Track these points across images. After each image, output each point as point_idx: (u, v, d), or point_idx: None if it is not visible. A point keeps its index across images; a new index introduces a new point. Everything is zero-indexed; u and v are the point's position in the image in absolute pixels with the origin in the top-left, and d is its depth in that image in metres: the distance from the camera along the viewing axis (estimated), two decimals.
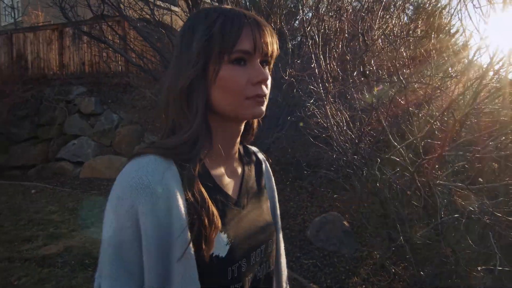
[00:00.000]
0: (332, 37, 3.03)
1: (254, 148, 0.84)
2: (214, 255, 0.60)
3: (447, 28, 3.84)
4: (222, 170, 0.69)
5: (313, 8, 3.87)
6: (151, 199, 0.55)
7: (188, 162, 0.60)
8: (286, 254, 0.88)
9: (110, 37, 5.52)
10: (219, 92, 0.62)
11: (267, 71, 0.66)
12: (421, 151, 1.89)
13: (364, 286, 2.74)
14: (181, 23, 5.17)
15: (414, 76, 2.25)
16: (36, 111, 6.90)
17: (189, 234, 0.57)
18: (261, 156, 0.84)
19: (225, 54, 0.60)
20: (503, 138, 1.76)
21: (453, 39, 3.74)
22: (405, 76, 2.22)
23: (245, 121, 0.69)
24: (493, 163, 1.92)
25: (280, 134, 4.12)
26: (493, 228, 1.66)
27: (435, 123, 1.94)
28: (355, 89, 2.64)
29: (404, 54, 2.33)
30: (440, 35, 3.58)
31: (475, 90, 1.63)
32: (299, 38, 4.31)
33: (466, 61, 2.12)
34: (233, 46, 0.60)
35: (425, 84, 2.09)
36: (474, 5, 1.67)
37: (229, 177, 0.70)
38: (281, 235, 0.85)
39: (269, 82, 0.65)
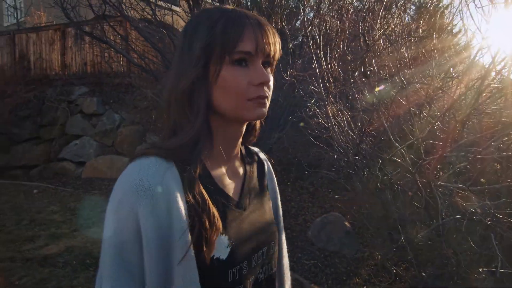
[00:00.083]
0: (333, 37, 3.02)
1: (256, 149, 0.83)
2: (214, 257, 0.60)
3: (449, 28, 3.82)
4: (223, 171, 0.68)
5: (315, 8, 3.86)
6: (152, 201, 0.55)
7: (189, 164, 0.59)
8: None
9: (111, 38, 5.52)
10: (220, 93, 0.62)
11: (269, 72, 0.65)
12: (422, 152, 1.88)
13: (365, 287, 2.73)
14: (182, 23, 5.17)
15: (416, 76, 2.24)
16: (39, 112, 6.92)
17: (189, 236, 0.56)
18: (263, 157, 0.83)
19: (227, 55, 0.60)
20: (506, 138, 1.74)
21: (456, 39, 3.72)
22: (407, 77, 2.21)
23: (247, 122, 0.69)
24: (495, 164, 1.91)
25: (281, 134, 4.12)
26: (494, 229, 1.64)
27: (436, 123, 1.93)
28: (356, 90, 2.64)
29: (406, 54, 2.32)
30: (442, 35, 3.57)
31: (476, 90, 1.62)
32: (300, 38, 4.30)
33: (469, 61, 2.10)
34: (235, 46, 0.60)
35: (426, 84, 2.08)
36: (475, 5, 1.66)
37: (230, 178, 0.70)
38: (283, 237, 0.84)
39: (271, 83, 0.65)
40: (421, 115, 2.22)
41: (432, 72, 2.13)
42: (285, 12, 3.65)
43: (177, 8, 5.42)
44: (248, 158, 0.78)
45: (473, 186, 1.72)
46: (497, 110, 1.82)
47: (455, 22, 3.76)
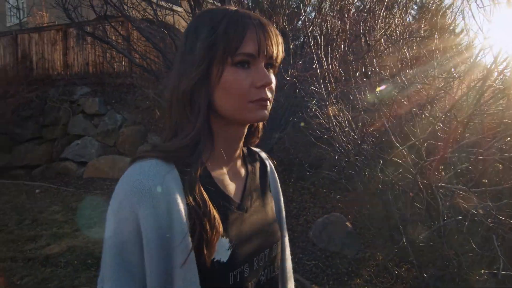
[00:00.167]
0: (334, 37, 3.02)
1: (259, 150, 0.83)
2: (215, 260, 0.60)
3: (451, 27, 3.81)
4: (224, 172, 0.68)
5: (316, 8, 3.85)
6: (152, 202, 0.55)
7: (190, 165, 0.59)
8: None
9: (113, 38, 5.54)
10: (222, 94, 0.61)
11: (272, 74, 0.65)
12: (423, 152, 1.87)
13: (366, 287, 2.73)
14: (183, 23, 5.17)
15: (417, 76, 2.23)
16: (41, 112, 6.94)
17: (190, 239, 0.56)
18: (266, 158, 0.83)
19: (229, 56, 0.60)
20: (508, 139, 1.73)
21: (458, 39, 3.70)
22: (408, 77, 2.20)
23: (248, 124, 0.69)
24: (498, 164, 1.90)
25: (282, 134, 4.11)
26: (496, 231, 1.63)
27: (438, 124, 1.92)
28: (358, 90, 2.63)
29: (407, 54, 2.31)
30: (445, 35, 3.55)
31: (478, 91, 1.61)
32: (302, 39, 4.29)
33: (471, 61, 2.09)
34: (237, 48, 0.59)
35: (427, 84, 2.07)
36: (477, 5, 1.65)
37: (232, 179, 0.69)
38: (286, 239, 0.83)
39: (273, 85, 0.64)
40: (423, 116, 2.21)
41: (433, 72, 2.12)
42: (287, 12, 3.64)
43: (178, 8, 5.42)
44: (250, 159, 0.77)
45: (475, 187, 1.71)
46: (499, 110, 1.81)
47: (457, 22, 3.74)
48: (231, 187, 0.68)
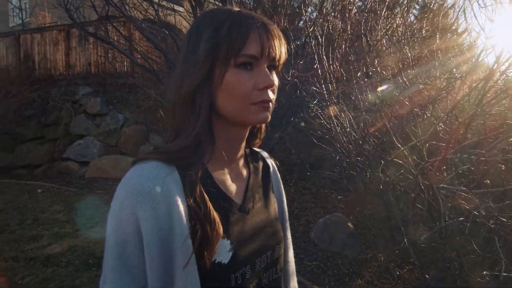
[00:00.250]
0: (336, 37, 3.01)
1: (261, 151, 0.82)
2: (216, 261, 0.60)
3: (453, 27, 3.79)
4: (226, 174, 0.68)
5: (317, 8, 3.85)
6: (152, 205, 0.55)
7: (190, 167, 0.59)
8: None
9: (115, 38, 5.55)
10: (224, 96, 0.61)
11: (274, 76, 0.65)
12: (425, 153, 1.86)
13: None
14: (185, 23, 5.17)
15: (419, 76, 2.22)
16: (43, 111, 6.97)
17: (191, 241, 0.56)
18: (269, 159, 0.83)
19: (232, 58, 0.60)
20: (510, 140, 1.72)
21: (460, 39, 3.68)
22: (410, 77, 2.19)
23: (250, 125, 0.68)
24: (500, 165, 1.88)
25: (283, 135, 4.11)
26: (498, 232, 1.62)
27: (439, 125, 1.91)
28: (359, 90, 2.62)
29: (409, 54, 2.30)
30: (447, 35, 3.54)
31: (480, 91, 1.60)
32: (303, 39, 4.29)
33: (473, 61, 2.08)
34: (240, 50, 0.59)
35: (429, 85, 2.06)
36: (479, 5, 1.64)
37: (233, 181, 0.69)
38: (289, 240, 0.83)
39: (276, 87, 0.64)
40: (424, 116, 2.20)
41: (435, 72, 2.11)
42: (288, 12, 3.64)
43: (179, 8, 5.43)
44: (252, 161, 0.77)
45: (477, 188, 1.70)
46: (501, 111, 1.80)
47: (459, 22, 3.72)
48: (232, 188, 0.68)
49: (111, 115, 6.60)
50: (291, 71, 2.97)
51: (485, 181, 1.81)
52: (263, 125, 0.74)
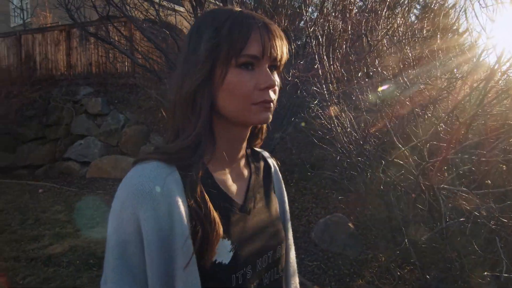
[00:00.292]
0: (336, 37, 3.01)
1: (263, 152, 0.82)
2: (217, 262, 0.60)
3: (454, 27, 3.78)
4: (227, 174, 0.68)
5: (318, 8, 3.84)
6: (152, 205, 0.55)
7: (191, 167, 0.59)
8: None
9: (116, 38, 5.55)
10: (225, 96, 0.61)
11: (276, 76, 0.65)
12: (425, 153, 1.86)
13: None
14: (186, 23, 5.17)
15: (420, 77, 2.22)
16: (44, 112, 6.98)
17: (191, 241, 0.56)
18: (270, 159, 0.82)
19: (233, 58, 0.59)
20: (511, 140, 1.72)
21: (461, 39, 3.68)
22: (410, 77, 2.19)
23: (251, 126, 0.68)
24: (501, 165, 1.88)
25: (284, 135, 4.11)
26: (499, 233, 1.62)
27: (440, 125, 1.91)
28: (360, 90, 2.62)
29: (410, 54, 2.30)
30: (448, 35, 3.53)
31: (481, 91, 1.59)
32: (304, 39, 4.28)
33: (474, 61, 2.08)
34: (241, 50, 0.59)
35: (430, 85, 2.05)
36: (480, 5, 1.64)
37: (234, 181, 0.69)
38: (291, 240, 0.83)
39: (277, 87, 0.64)
40: (425, 116, 2.20)
41: (436, 72, 2.10)
42: (289, 12, 3.63)
43: (180, 8, 5.43)
44: (254, 161, 0.77)
45: (478, 189, 1.69)
46: (502, 111, 1.79)
47: (460, 22, 3.71)
48: (233, 188, 0.68)
49: (112, 115, 6.60)
50: (291, 71, 2.97)
51: (486, 182, 1.80)
52: (265, 126, 0.74)
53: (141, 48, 5.24)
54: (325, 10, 3.62)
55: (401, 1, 3.33)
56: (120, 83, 6.90)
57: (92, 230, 3.81)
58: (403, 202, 2.27)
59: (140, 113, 6.54)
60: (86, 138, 6.58)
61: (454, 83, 2.02)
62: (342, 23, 3.03)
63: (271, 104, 0.63)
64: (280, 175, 0.84)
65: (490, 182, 1.80)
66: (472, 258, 1.81)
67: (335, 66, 2.66)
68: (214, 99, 0.62)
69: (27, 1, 11.30)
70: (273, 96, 0.63)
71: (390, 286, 2.62)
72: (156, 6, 4.44)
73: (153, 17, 4.57)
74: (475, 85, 1.66)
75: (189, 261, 0.55)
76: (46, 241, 3.56)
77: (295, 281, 0.83)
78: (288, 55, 0.65)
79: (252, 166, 0.75)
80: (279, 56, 0.62)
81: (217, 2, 5.22)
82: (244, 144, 0.70)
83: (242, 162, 0.72)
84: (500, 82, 1.73)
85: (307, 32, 3.08)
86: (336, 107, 2.61)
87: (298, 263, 0.79)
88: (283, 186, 0.84)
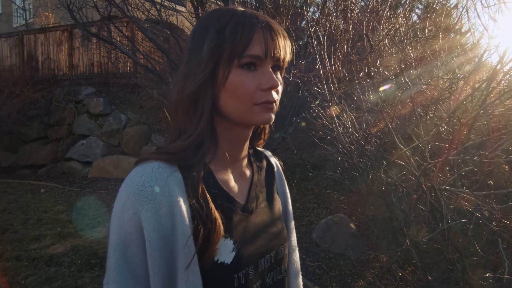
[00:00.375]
0: (338, 37, 3.00)
1: (265, 151, 0.82)
2: (219, 261, 0.60)
3: (457, 27, 3.76)
4: (229, 174, 0.68)
5: (320, 8, 3.84)
6: (154, 205, 0.56)
7: (193, 167, 0.59)
8: None
9: (118, 39, 5.56)
10: (227, 96, 0.61)
11: (279, 76, 0.64)
12: (427, 154, 1.85)
13: None
14: (187, 23, 5.17)
15: (422, 77, 2.21)
16: (46, 112, 7.01)
17: (193, 241, 0.56)
18: (273, 160, 0.82)
19: (235, 58, 0.59)
20: None
21: (463, 39, 3.66)
22: (412, 77, 2.18)
23: (254, 126, 0.68)
24: (504, 166, 1.87)
25: (285, 135, 4.10)
26: (501, 234, 1.61)
27: (442, 125, 1.90)
28: (361, 90, 2.61)
29: (411, 54, 2.29)
30: (450, 35, 3.51)
31: (483, 92, 1.58)
32: (305, 39, 4.28)
33: (476, 61, 2.06)
34: (244, 50, 0.59)
35: (432, 85, 2.05)
36: (482, 4, 1.63)
37: (236, 181, 0.69)
38: (294, 241, 0.82)
39: (280, 88, 0.64)
40: (427, 117, 2.19)
41: (438, 72, 2.10)
42: (290, 13, 3.63)
43: (182, 8, 5.43)
44: (256, 161, 0.76)
45: (480, 190, 1.69)
46: (505, 112, 1.78)
47: (462, 22, 3.70)
48: (236, 188, 0.68)
49: (114, 115, 6.62)
50: (293, 71, 2.96)
51: (488, 183, 1.79)
52: (267, 126, 0.74)
53: (142, 48, 5.25)
54: (326, 10, 3.62)
55: (403, 1, 3.32)
56: (122, 83, 6.92)
57: (94, 230, 3.82)
58: (405, 203, 2.27)
59: (141, 113, 6.55)
60: (88, 138, 6.60)
61: (456, 83, 2.01)
62: (343, 23, 3.02)
63: (274, 104, 0.63)
64: (283, 175, 0.83)
65: (492, 183, 1.79)
66: (474, 259, 1.80)
67: (336, 66, 2.65)
68: (216, 100, 0.62)
69: (29, 2, 11.35)
70: (276, 96, 0.63)
71: (391, 287, 2.61)
72: (158, 6, 4.44)
73: (154, 17, 4.57)
74: (477, 85, 1.65)
75: (191, 260, 0.55)
76: (48, 241, 3.57)
77: (299, 281, 0.82)
78: (291, 55, 0.65)
79: (255, 166, 0.75)
80: (282, 56, 0.62)
81: (219, 2, 5.22)
82: (247, 144, 0.70)
83: (245, 162, 0.72)
84: (502, 82, 1.72)
85: (308, 32, 3.07)
86: (337, 107, 2.60)
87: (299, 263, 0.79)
88: (286, 185, 0.84)
